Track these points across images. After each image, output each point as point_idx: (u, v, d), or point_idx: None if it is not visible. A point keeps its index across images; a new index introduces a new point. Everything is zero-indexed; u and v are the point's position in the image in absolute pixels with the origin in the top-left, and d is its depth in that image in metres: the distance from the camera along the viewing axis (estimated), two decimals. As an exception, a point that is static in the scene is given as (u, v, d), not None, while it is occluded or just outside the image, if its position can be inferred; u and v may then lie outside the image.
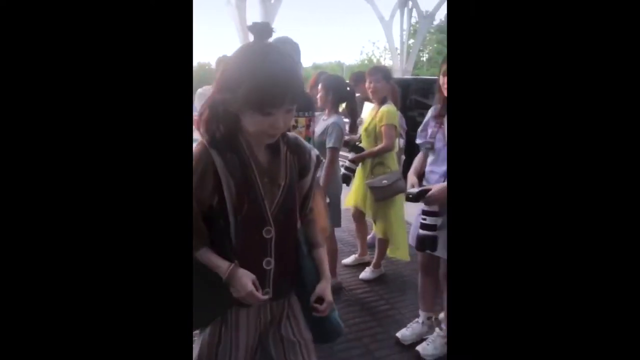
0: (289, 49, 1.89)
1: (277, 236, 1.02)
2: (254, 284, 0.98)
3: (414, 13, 15.42)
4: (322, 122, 2.44)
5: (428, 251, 1.87)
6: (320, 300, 1.07)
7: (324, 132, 2.37)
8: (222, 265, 0.98)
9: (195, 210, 0.94)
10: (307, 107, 2.15)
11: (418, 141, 1.99)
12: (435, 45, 23.50)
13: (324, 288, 1.08)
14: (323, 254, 1.14)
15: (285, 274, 1.06)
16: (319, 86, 2.57)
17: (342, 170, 2.66)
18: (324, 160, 1.05)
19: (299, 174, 1.07)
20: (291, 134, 1.08)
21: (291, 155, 1.05)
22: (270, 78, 0.88)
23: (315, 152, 1.10)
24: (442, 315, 2.12)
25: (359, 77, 3.46)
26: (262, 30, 0.93)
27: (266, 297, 1.01)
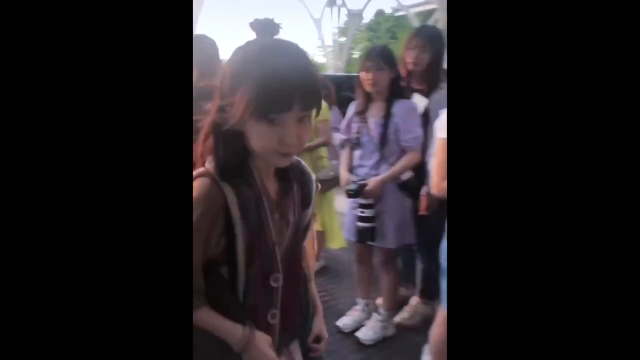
0: (207, 44, 1.85)
1: (284, 283, 0.83)
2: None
3: (343, 12, 15.80)
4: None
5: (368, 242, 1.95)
6: (318, 339, 0.95)
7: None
8: (234, 330, 0.78)
9: (194, 258, 0.73)
10: None
11: (343, 137, 2.07)
12: (366, 43, 24.07)
13: (320, 325, 0.96)
14: (314, 286, 0.99)
15: (289, 324, 0.88)
16: None
17: None
18: (319, 187, 0.94)
19: (301, 205, 0.89)
20: (294, 157, 0.86)
21: (296, 184, 0.87)
22: (272, 73, 0.69)
23: (314, 176, 0.94)
24: (379, 301, 2.22)
25: None
26: (266, 27, 0.77)
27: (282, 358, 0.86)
